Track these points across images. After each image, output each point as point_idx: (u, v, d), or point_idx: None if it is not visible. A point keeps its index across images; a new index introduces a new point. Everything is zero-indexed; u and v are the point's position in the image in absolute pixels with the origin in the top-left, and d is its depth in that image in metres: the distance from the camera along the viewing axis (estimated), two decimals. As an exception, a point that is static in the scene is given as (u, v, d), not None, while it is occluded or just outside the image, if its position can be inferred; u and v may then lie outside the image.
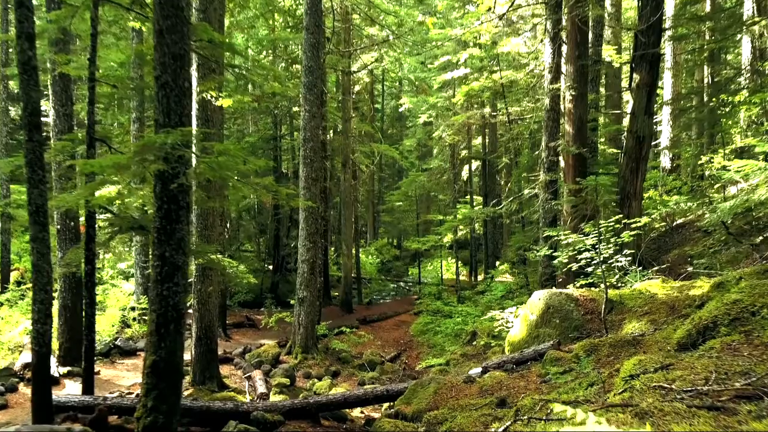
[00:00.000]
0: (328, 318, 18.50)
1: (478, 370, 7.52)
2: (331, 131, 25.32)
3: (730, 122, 18.84)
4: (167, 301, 5.34)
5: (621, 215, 7.03)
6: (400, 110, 33.84)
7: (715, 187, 18.25)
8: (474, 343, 13.28)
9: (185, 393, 9.50)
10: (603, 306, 6.24)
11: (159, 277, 5.35)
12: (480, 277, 24.18)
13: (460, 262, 28.74)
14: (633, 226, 6.83)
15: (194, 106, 9.83)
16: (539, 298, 7.14)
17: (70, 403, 6.87)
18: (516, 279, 17.08)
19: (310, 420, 6.88)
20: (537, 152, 21.02)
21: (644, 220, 6.72)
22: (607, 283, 6.41)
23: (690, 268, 7.94)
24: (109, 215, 7.66)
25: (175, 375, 5.38)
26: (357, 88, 28.66)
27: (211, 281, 9.92)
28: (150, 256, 5.03)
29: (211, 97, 9.35)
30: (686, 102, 22.59)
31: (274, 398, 8.08)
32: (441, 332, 15.18)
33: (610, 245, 6.70)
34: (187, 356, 11.60)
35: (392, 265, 30.83)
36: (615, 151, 19.06)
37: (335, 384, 11.80)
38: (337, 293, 22.76)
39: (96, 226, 7.51)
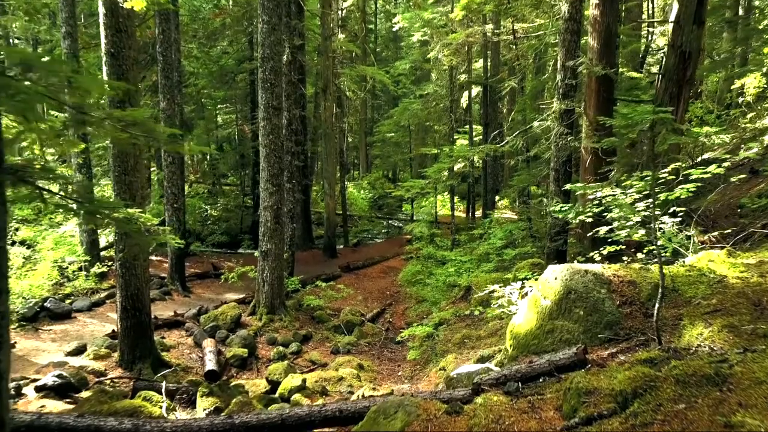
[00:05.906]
0: (309, 264, 16.71)
1: (469, 368, 5.64)
2: (316, 54, 22.58)
3: (768, 37, 16.20)
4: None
5: (679, 163, 4.93)
6: (394, 30, 30.77)
7: (749, 116, 15.93)
8: (469, 300, 11.47)
9: (110, 375, 7.76)
10: (657, 299, 4.23)
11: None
12: (478, 213, 22.19)
13: (456, 196, 26.61)
14: (693, 177, 4.70)
15: (101, 10, 7.44)
16: (556, 277, 5.12)
17: None
18: (519, 222, 15.09)
19: (238, 444, 5.05)
20: (546, 76, 18.43)
21: (713, 168, 4.58)
22: (660, 257, 4.36)
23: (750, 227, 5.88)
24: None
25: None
26: (347, 3, 25.65)
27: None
28: None
29: (119, -4, 6.98)
30: (716, 16, 19.76)
31: (202, 402, 6.26)
32: (432, 284, 13.35)
33: (649, 201, 4.63)
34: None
35: (385, 202, 28.77)
36: (636, 74, 16.58)
37: (305, 352, 10.10)
38: (323, 231, 20.84)
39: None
